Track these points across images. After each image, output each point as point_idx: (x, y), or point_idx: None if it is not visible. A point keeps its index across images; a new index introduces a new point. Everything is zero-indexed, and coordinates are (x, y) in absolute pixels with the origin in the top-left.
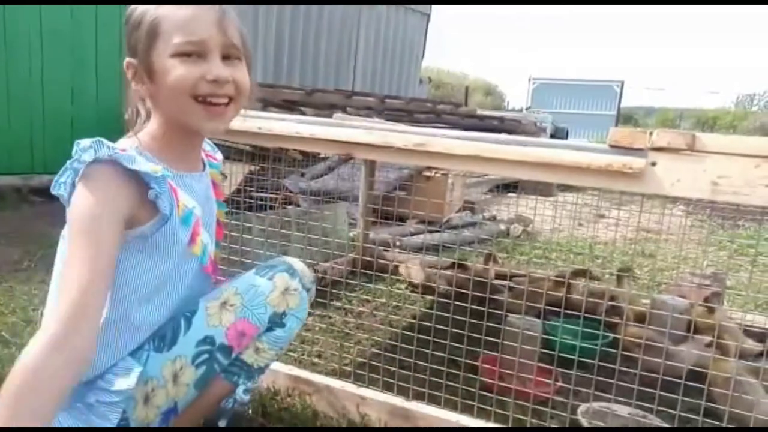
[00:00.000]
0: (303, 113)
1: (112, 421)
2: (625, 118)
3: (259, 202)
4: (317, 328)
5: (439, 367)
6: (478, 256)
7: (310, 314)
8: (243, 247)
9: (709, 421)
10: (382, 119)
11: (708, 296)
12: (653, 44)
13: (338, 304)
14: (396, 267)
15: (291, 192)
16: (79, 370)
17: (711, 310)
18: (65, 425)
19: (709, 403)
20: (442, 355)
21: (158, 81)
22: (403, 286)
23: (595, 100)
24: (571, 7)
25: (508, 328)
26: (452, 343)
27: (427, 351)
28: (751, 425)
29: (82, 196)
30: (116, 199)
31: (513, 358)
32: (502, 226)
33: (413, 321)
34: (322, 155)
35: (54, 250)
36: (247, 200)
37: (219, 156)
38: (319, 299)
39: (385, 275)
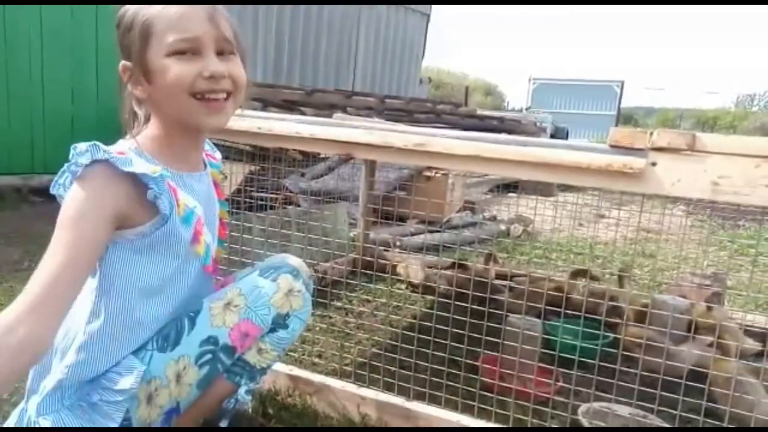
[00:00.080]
0: (303, 113)
1: (116, 420)
2: (625, 118)
3: (260, 202)
4: (318, 328)
5: (440, 367)
6: (479, 256)
7: (310, 314)
8: (243, 247)
9: (709, 421)
10: (382, 119)
11: (708, 296)
12: (653, 44)
13: (339, 304)
14: (394, 267)
15: (291, 192)
16: (34, 355)
17: (712, 310)
18: (68, 424)
19: (709, 403)
20: (443, 355)
21: (155, 81)
22: (403, 286)
23: (595, 101)
24: (571, 7)
25: (508, 328)
26: (453, 343)
27: (427, 351)
28: (752, 425)
29: (72, 195)
30: (106, 198)
31: (513, 358)
32: (503, 226)
33: (414, 321)
34: (322, 155)
35: None
36: (247, 200)
37: (218, 155)
38: (319, 299)
39: (386, 275)
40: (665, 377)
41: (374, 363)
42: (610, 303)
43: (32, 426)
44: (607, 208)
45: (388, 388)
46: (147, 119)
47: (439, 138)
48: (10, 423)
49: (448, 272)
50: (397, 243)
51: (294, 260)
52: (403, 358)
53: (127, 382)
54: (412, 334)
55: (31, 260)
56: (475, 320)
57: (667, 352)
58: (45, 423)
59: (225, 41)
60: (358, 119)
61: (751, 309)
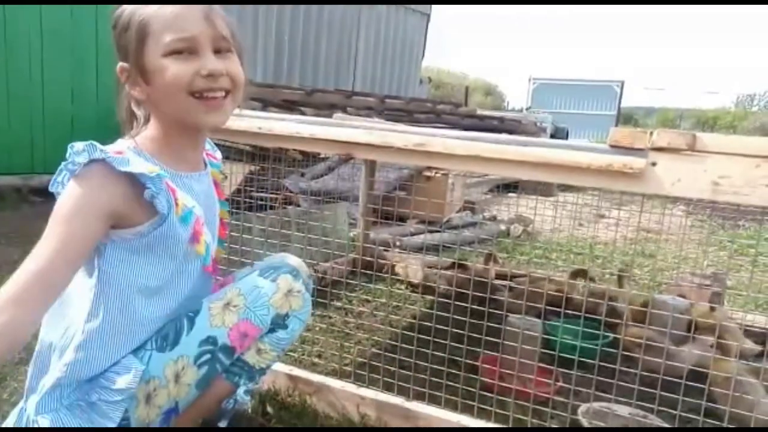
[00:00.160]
0: (303, 113)
1: (114, 420)
2: (626, 118)
3: (259, 202)
4: (317, 328)
5: (440, 367)
6: (479, 256)
7: (310, 314)
8: (243, 247)
9: (709, 421)
10: (382, 119)
11: (709, 297)
12: (653, 44)
13: (338, 304)
14: (392, 267)
15: (291, 192)
16: (11, 343)
17: (713, 310)
18: (67, 424)
19: (709, 403)
20: (443, 355)
21: (153, 82)
22: (403, 286)
23: (595, 101)
24: (571, 7)
25: (508, 328)
26: (452, 343)
27: (427, 351)
28: (752, 425)
29: (68, 191)
30: (102, 197)
31: (513, 358)
32: (503, 226)
33: (413, 321)
34: (322, 155)
35: None
36: (247, 200)
37: (218, 155)
38: (319, 299)
39: (386, 275)
40: (665, 377)
41: (374, 363)
42: (610, 303)
43: (31, 425)
44: (607, 208)
45: (388, 388)
46: (146, 120)
47: (439, 138)
48: (9, 422)
49: (448, 272)
50: (397, 243)
51: (293, 260)
52: (403, 358)
53: (125, 381)
54: (412, 334)
55: None
56: (475, 320)
57: (667, 352)
58: (43, 422)
59: (222, 39)
60: (358, 119)
61: (751, 309)
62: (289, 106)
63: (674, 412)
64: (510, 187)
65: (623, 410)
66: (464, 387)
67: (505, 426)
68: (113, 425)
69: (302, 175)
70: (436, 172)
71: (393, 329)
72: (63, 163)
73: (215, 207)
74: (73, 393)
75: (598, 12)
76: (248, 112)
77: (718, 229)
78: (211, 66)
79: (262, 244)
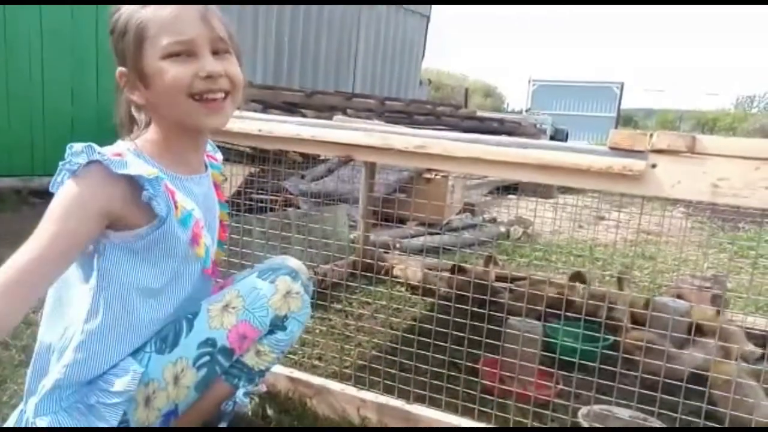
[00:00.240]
0: (303, 115)
1: (112, 423)
2: (625, 119)
3: (260, 204)
4: (317, 331)
5: (440, 370)
6: (479, 259)
7: (310, 317)
8: (243, 249)
9: (710, 424)
10: (382, 121)
11: (710, 299)
12: (653, 44)
13: (338, 306)
14: (388, 270)
15: (291, 194)
16: None
17: (719, 314)
18: (64, 426)
19: (710, 406)
20: (443, 357)
21: (153, 85)
22: (403, 289)
23: (595, 102)
24: (571, 7)
25: (508, 330)
26: (453, 346)
27: (427, 353)
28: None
29: (65, 190)
30: (98, 197)
31: (514, 360)
32: (503, 228)
33: (414, 323)
34: (322, 157)
35: None
36: (247, 202)
37: (219, 156)
38: (319, 302)
39: (386, 278)
40: (666, 380)
41: (374, 366)
42: (610, 305)
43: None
44: (607, 210)
45: (388, 390)
46: (147, 125)
47: (439, 140)
48: (9, 424)
49: (447, 275)
50: (397, 245)
51: (293, 262)
52: (404, 361)
53: (124, 384)
54: (413, 336)
55: None
56: (476, 323)
57: (667, 355)
58: (42, 424)
59: (219, 41)
60: (358, 121)
61: (751, 311)
62: (290, 107)
63: (675, 415)
64: (510, 189)
65: (624, 413)
66: (465, 390)
67: (505, 427)
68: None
69: (302, 177)
70: (436, 174)
71: (393, 332)
72: (61, 163)
73: (215, 209)
74: (72, 395)
75: (598, 12)
76: (249, 114)
77: (718, 231)
78: (210, 67)
79: (262, 246)
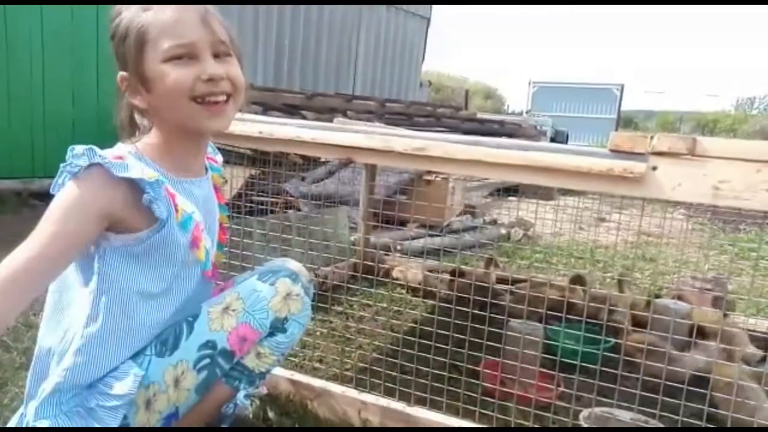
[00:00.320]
0: (304, 117)
1: (112, 426)
2: (626, 121)
3: (260, 207)
4: (318, 333)
5: (441, 372)
6: (479, 261)
7: (311, 319)
8: (243, 252)
9: (711, 426)
10: (382, 123)
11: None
12: (653, 45)
13: (339, 308)
14: (387, 271)
15: (292, 196)
16: None
17: (726, 317)
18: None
19: (711, 409)
20: (444, 360)
21: (154, 89)
22: (404, 291)
23: (595, 104)
24: (571, 7)
25: (509, 332)
26: (454, 348)
27: (428, 356)
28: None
29: (65, 191)
30: (98, 200)
31: (515, 363)
32: (503, 230)
33: (414, 326)
34: (323, 159)
35: None
36: (247, 204)
37: (219, 158)
38: (320, 304)
39: (387, 280)
40: (667, 382)
41: (375, 368)
42: (611, 308)
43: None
44: (608, 212)
45: (389, 393)
46: (149, 129)
47: (439, 142)
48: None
49: (448, 278)
50: (398, 247)
51: (293, 264)
52: (404, 363)
53: (124, 387)
54: (413, 338)
55: None
56: (477, 325)
57: (669, 357)
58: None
59: (220, 44)
60: (358, 123)
61: (752, 313)
62: (290, 109)
63: (676, 417)
64: (510, 190)
65: (625, 415)
66: (466, 392)
67: (505, 427)
68: None
69: (303, 179)
70: (436, 176)
71: (394, 334)
72: (62, 165)
73: (215, 212)
74: (72, 399)
75: (598, 12)
76: (249, 116)
77: (719, 232)
78: (212, 70)
79: (262, 249)
